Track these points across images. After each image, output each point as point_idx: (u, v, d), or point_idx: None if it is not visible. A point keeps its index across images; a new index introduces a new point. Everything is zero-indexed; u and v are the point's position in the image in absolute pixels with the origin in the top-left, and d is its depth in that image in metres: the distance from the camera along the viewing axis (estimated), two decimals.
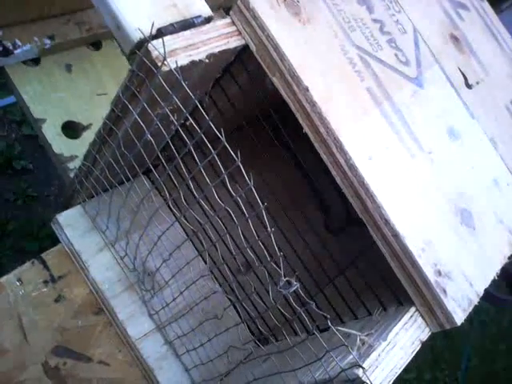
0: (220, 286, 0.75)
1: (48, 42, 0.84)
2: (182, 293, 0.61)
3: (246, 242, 0.50)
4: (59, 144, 0.82)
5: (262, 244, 0.49)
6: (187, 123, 0.49)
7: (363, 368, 0.45)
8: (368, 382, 0.44)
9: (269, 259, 0.47)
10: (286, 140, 0.64)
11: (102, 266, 0.71)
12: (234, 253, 0.51)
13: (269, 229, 0.45)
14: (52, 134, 0.82)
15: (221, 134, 0.44)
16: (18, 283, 0.68)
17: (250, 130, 0.68)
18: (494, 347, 1.91)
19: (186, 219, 0.67)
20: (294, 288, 0.44)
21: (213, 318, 0.58)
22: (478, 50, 0.72)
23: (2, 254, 1.51)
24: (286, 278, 0.45)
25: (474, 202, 0.58)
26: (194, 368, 0.68)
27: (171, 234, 0.64)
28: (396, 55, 0.61)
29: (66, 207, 0.75)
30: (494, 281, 0.71)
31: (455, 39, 0.70)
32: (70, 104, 0.85)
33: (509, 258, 0.58)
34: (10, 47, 0.82)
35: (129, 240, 0.67)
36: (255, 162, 0.69)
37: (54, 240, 0.75)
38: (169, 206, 0.73)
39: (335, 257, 0.66)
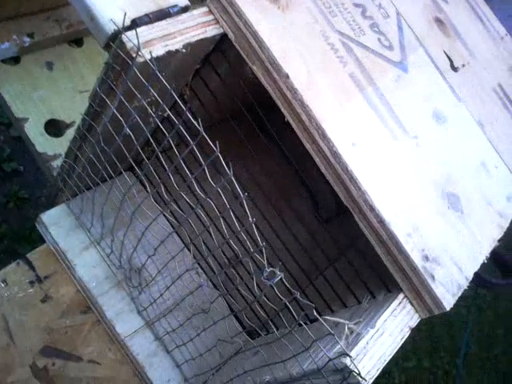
0: (210, 280, 0.74)
1: (27, 39, 0.82)
2: (168, 288, 0.60)
3: (230, 234, 0.49)
4: (42, 143, 0.81)
5: (248, 234, 0.48)
6: (165, 115, 0.48)
7: (350, 357, 0.44)
8: (356, 370, 0.44)
9: (252, 250, 0.46)
10: (270, 131, 0.63)
11: (89, 264, 0.70)
12: (218, 245, 0.50)
13: (250, 219, 0.44)
14: (35, 133, 0.80)
15: (199, 125, 0.43)
16: (2, 284, 0.67)
17: (235, 122, 0.67)
18: (491, 332, 1.91)
19: (171, 213, 0.66)
20: (278, 278, 0.44)
21: (200, 313, 0.57)
22: (463, 33, 0.71)
23: None
24: (270, 269, 0.44)
25: (461, 186, 0.57)
26: (184, 363, 0.67)
27: (157, 229, 0.63)
28: (379, 40, 0.60)
29: (52, 206, 0.74)
30: (487, 266, 0.70)
31: (440, 22, 0.69)
32: (52, 102, 0.83)
33: (498, 240, 0.57)
34: None
35: (114, 237, 0.66)
36: (241, 154, 0.69)
37: None
38: (155, 200, 0.72)
39: (324, 248, 0.65)
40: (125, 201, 0.58)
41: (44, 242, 0.73)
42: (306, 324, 0.48)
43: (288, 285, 0.45)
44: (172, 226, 0.68)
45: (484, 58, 0.72)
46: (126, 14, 0.47)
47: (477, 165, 0.61)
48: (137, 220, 0.60)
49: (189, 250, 0.59)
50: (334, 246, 0.64)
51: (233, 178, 0.43)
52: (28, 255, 0.71)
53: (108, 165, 0.60)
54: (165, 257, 0.64)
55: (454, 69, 0.66)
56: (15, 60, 0.84)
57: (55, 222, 0.71)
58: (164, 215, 0.65)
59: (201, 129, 0.44)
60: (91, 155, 0.60)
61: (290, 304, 0.46)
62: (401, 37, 0.63)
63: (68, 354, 0.67)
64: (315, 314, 0.44)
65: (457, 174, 0.57)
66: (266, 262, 0.44)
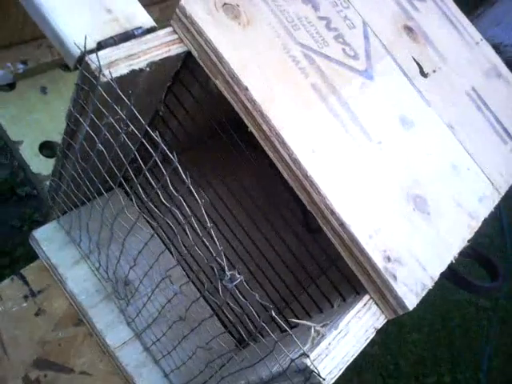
0: (199, 291, 0.76)
1: (21, 66, 0.87)
2: (149, 298, 0.62)
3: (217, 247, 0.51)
4: (37, 164, 0.84)
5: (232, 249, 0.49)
6: (129, 129, 0.51)
7: (308, 357, 0.45)
8: (315, 370, 0.45)
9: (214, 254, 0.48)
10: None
11: (79, 278, 0.72)
12: (206, 260, 0.51)
13: (208, 225, 0.46)
14: (29, 154, 0.84)
15: (172, 154, 0.45)
16: None
17: (224, 135, 0.69)
18: None
19: (161, 228, 0.68)
20: (237, 281, 0.45)
21: (179, 320, 0.59)
22: (434, 39, 0.73)
23: None
24: (231, 272, 0.46)
25: (428, 189, 0.58)
26: (172, 373, 0.69)
27: (141, 242, 0.66)
28: (344, 50, 0.62)
29: (44, 223, 0.77)
30: (475, 271, 0.71)
31: (409, 30, 0.71)
32: (46, 125, 0.87)
33: (468, 240, 0.58)
34: None
35: (100, 251, 0.69)
36: (234, 167, 0.71)
37: None
38: (144, 218, 0.74)
39: (307, 264, 0.66)
40: (108, 216, 0.61)
41: None
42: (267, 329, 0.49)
43: (248, 286, 0.47)
44: (163, 242, 0.70)
45: (457, 63, 0.73)
46: (86, 37, 0.50)
47: (447, 167, 0.62)
48: (121, 233, 0.62)
49: (170, 252, 0.61)
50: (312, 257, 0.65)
51: (202, 209, 0.45)
52: (22, 271, 0.74)
53: (88, 182, 0.62)
54: (148, 268, 0.66)
55: (424, 75, 0.68)
56: (10, 86, 0.88)
57: (47, 237, 0.74)
58: (150, 231, 0.67)
59: (175, 159, 0.45)
60: (73, 172, 0.63)
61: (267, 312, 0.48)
62: (367, 46, 0.64)
63: (60, 365, 0.69)
64: (272, 313, 0.46)
65: (424, 176, 0.59)
66: (226, 267, 0.46)
